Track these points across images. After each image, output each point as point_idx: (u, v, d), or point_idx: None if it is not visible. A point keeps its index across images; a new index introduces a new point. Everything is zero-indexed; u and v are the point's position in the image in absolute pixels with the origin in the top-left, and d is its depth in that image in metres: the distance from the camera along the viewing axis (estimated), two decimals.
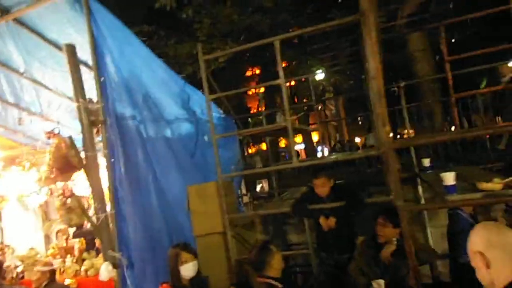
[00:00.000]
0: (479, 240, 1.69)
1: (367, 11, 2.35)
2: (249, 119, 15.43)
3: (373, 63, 2.48)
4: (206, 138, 3.94)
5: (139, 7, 8.12)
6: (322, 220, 3.27)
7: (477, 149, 5.70)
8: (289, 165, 3.57)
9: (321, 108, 17.95)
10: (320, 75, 12.18)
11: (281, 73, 3.40)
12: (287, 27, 8.11)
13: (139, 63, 4.15)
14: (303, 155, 17.09)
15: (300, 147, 18.85)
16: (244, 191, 5.62)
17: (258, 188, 5.87)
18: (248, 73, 14.50)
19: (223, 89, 4.96)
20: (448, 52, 4.47)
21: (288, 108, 3.57)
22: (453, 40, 10.62)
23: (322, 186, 3.31)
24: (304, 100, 14.81)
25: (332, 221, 3.24)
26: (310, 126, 11.84)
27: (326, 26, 3.10)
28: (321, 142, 21.98)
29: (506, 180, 2.55)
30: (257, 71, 14.24)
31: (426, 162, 4.14)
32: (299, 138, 18.24)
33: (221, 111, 5.87)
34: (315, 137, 19.87)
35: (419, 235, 4.10)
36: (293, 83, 14.41)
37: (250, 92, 17.61)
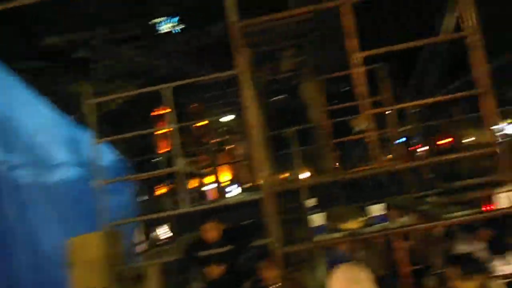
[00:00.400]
0: (343, 277, 1.88)
1: (241, 70, 2.57)
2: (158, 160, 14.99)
3: (250, 115, 2.68)
4: (91, 184, 3.68)
5: (29, 43, 7.58)
6: (210, 268, 3.24)
7: (362, 188, 6.43)
8: (178, 211, 3.56)
9: (229, 149, 18.34)
10: (228, 117, 12.62)
11: (172, 119, 3.46)
12: (188, 72, 8.34)
13: (18, 103, 3.84)
14: (214, 195, 17.02)
15: (213, 186, 18.77)
16: (140, 238, 5.32)
17: (153, 234, 5.63)
18: (155, 113, 14.26)
19: (126, 129, 4.83)
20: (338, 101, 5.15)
21: (180, 153, 3.61)
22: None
23: (209, 232, 3.32)
24: (211, 142, 15.03)
25: (220, 268, 3.24)
26: (219, 167, 11.97)
27: (207, 79, 3.32)
28: (236, 181, 22.20)
29: (364, 218, 2.89)
30: (165, 111, 14.09)
31: (310, 202, 4.46)
32: (211, 178, 18.20)
33: (119, 153, 5.63)
34: (227, 177, 20.04)
35: (311, 274, 4.30)
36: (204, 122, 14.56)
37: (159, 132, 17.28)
